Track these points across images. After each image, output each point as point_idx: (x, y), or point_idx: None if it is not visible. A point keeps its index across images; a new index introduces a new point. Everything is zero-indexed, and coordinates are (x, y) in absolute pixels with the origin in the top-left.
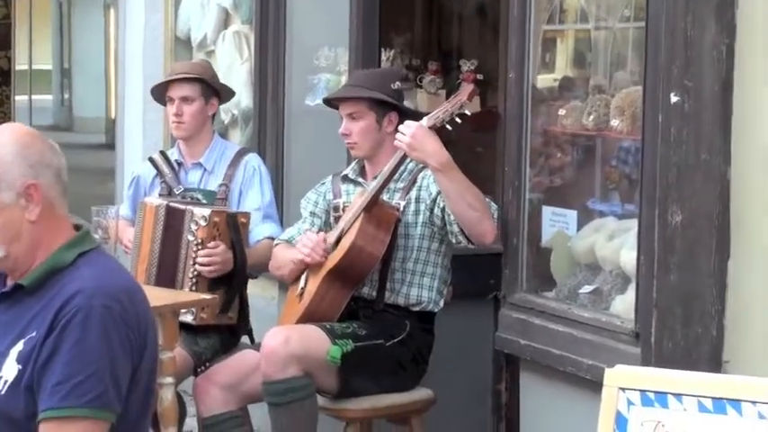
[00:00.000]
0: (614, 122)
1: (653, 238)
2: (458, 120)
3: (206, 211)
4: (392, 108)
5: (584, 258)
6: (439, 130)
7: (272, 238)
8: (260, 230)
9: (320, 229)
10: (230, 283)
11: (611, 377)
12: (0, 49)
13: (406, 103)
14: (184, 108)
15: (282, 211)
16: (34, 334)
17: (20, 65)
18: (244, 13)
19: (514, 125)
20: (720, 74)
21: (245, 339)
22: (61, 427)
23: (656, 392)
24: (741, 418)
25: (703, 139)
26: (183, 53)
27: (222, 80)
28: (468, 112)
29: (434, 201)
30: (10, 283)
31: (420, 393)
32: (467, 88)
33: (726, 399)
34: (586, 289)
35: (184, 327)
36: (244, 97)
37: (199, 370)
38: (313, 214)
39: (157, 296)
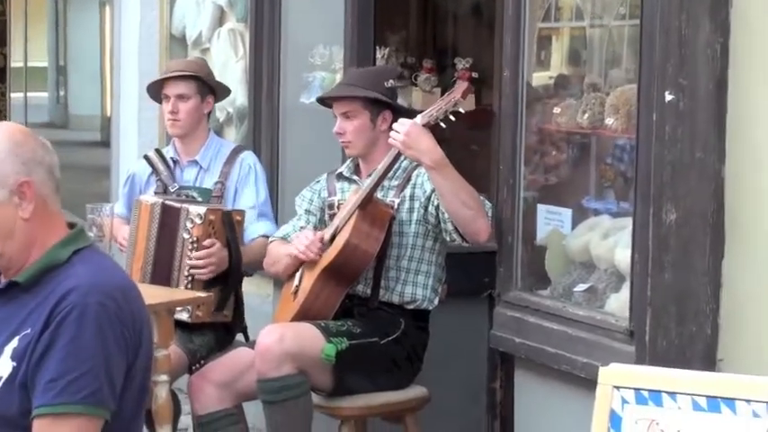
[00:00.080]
0: (609, 121)
1: (647, 236)
2: (452, 117)
3: (201, 209)
4: (386, 106)
5: (579, 257)
6: (433, 128)
7: (267, 237)
8: (255, 229)
9: (315, 227)
10: (225, 282)
11: (606, 375)
12: None
13: (401, 101)
14: (180, 105)
15: (277, 208)
16: (29, 331)
17: (15, 62)
18: (239, 11)
19: (509, 123)
20: (715, 72)
21: (239, 337)
22: (55, 423)
23: (650, 391)
24: (735, 417)
25: (698, 137)
26: (178, 51)
27: (217, 78)
28: (462, 110)
29: (429, 198)
30: (4, 280)
31: (415, 391)
32: (461, 86)
33: (720, 397)
34: (581, 287)
35: (179, 324)
36: (239, 95)
37: (194, 368)
38: (308, 212)
39: (153, 294)
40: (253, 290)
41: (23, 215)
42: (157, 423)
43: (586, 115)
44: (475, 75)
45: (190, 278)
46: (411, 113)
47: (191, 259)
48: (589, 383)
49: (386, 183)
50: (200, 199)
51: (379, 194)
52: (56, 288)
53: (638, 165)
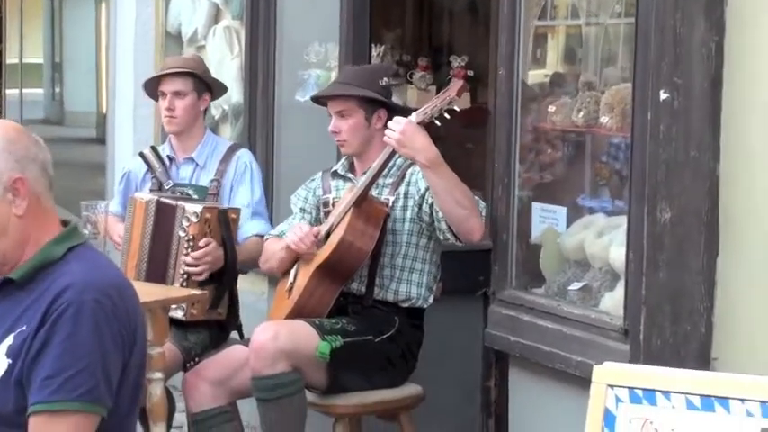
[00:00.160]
0: (604, 119)
1: (642, 235)
2: (446, 115)
3: (197, 208)
4: (381, 105)
5: (574, 255)
6: (428, 126)
7: (261, 236)
8: (249, 228)
9: (310, 225)
10: (220, 280)
11: (600, 374)
12: None
13: (396, 100)
14: (176, 102)
15: (272, 206)
16: (24, 328)
17: (10, 58)
18: (234, 9)
19: (504, 122)
20: (710, 71)
21: (234, 335)
22: (51, 420)
23: (644, 389)
24: (729, 416)
25: (692, 136)
26: (173, 48)
27: (213, 76)
28: (456, 108)
29: (423, 197)
30: None
31: (409, 389)
32: (456, 84)
33: (714, 396)
34: (576, 286)
35: (174, 322)
36: (234, 93)
37: (188, 365)
38: (303, 210)
39: (147, 292)
40: (247, 287)
41: (17, 212)
42: (152, 421)
43: (581, 114)
44: (470, 73)
45: (185, 276)
46: (406, 111)
47: (187, 257)
48: (583, 382)
49: (380, 181)
50: (195, 197)
51: (373, 192)
52: (51, 285)
53: (633, 163)
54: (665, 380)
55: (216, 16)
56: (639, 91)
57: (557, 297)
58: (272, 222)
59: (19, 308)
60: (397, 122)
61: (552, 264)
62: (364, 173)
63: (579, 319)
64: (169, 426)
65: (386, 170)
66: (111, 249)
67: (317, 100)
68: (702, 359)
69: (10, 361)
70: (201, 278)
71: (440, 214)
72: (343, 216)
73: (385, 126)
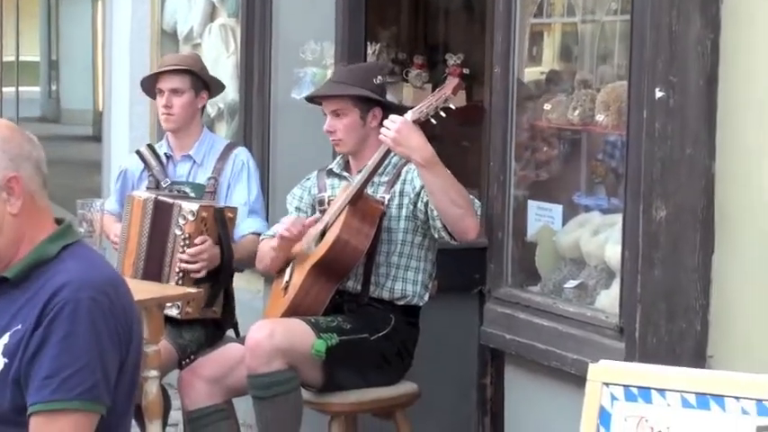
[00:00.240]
0: (599, 117)
1: (637, 232)
2: (442, 114)
3: (194, 206)
4: (376, 103)
5: (570, 253)
6: (424, 125)
7: (257, 234)
8: (245, 225)
9: None
10: (216, 278)
11: (595, 372)
12: None
13: (392, 98)
14: (174, 100)
15: (268, 204)
16: (20, 327)
17: (7, 56)
18: (230, 7)
19: (499, 120)
20: (705, 69)
21: (230, 333)
22: (52, 420)
23: (639, 387)
24: (724, 414)
25: (688, 133)
26: (169, 46)
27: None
28: (452, 106)
29: (418, 195)
30: None
31: (405, 387)
32: (452, 82)
33: (709, 394)
34: (571, 284)
35: (169, 319)
36: (230, 90)
37: (183, 363)
38: (298, 209)
39: (143, 289)
40: (243, 285)
41: (12, 211)
42: (147, 418)
43: (577, 112)
44: (466, 71)
45: (181, 274)
46: (401, 110)
47: (183, 254)
48: (579, 380)
49: (376, 179)
50: (192, 194)
51: (369, 190)
52: (46, 284)
53: (629, 161)
54: (660, 378)
55: (212, 14)
56: (635, 89)
57: (552, 295)
58: (269, 220)
59: (14, 306)
60: (393, 121)
61: (548, 262)
62: (359, 171)
63: (575, 317)
64: (164, 423)
65: (381, 168)
66: (108, 248)
67: (312, 99)
68: (698, 357)
69: (6, 360)
70: (200, 275)
71: (435, 213)
72: (339, 214)
73: (380, 124)
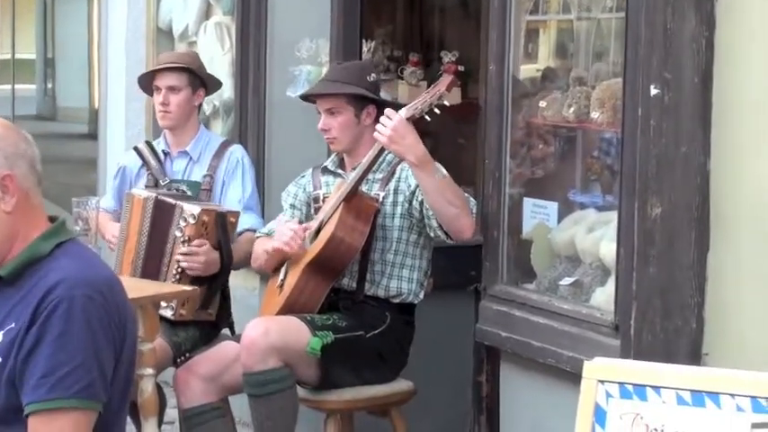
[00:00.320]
0: (594, 115)
1: (632, 230)
2: (436, 110)
3: (196, 210)
4: (370, 101)
5: (565, 250)
6: (418, 121)
7: (253, 230)
8: (241, 222)
9: (301, 222)
10: (213, 280)
11: (590, 369)
12: None
13: (387, 95)
14: (171, 97)
15: (263, 202)
16: (13, 325)
17: (2, 54)
18: (225, 5)
19: (495, 117)
20: (700, 66)
21: (225, 331)
22: (50, 419)
23: (634, 385)
24: (719, 411)
25: (683, 131)
26: (165, 44)
27: None
28: (447, 103)
29: (413, 193)
30: None
31: (400, 385)
32: (446, 79)
33: (704, 391)
34: (567, 281)
35: (164, 317)
36: (225, 88)
37: (178, 360)
38: (293, 207)
39: (139, 287)
40: (239, 283)
41: (6, 208)
42: (143, 416)
43: (572, 109)
44: (461, 68)
45: (177, 276)
46: (395, 107)
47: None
48: (574, 377)
49: (370, 176)
50: (189, 193)
51: (363, 187)
52: (39, 282)
53: (624, 159)
54: (655, 375)
55: (207, 12)
56: (630, 86)
57: (548, 292)
58: (264, 217)
59: (7, 305)
60: (389, 118)
61: (543, 259)
62: (354, 169)
63: (570, 315)
64: (160, 421)
65: (376, 166)
66: (103, 246)
67: (306, 98)
68: (693, 354)
69: (0, 359)
70: (194, 273)
71: (430, 212)
72: (334, 212)
73: (375, 122)
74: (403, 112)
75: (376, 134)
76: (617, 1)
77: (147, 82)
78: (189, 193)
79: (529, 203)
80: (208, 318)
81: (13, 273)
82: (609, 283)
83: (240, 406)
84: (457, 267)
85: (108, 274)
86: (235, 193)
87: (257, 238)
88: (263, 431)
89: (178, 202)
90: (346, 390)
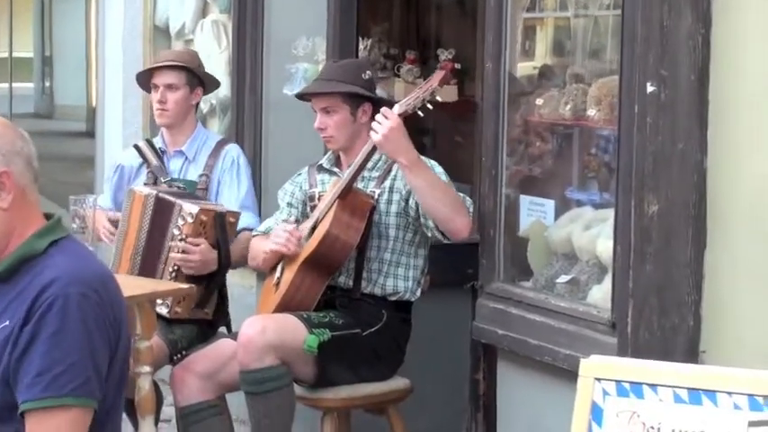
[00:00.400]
0: (591, 112)
1: (629, 227)
2: (429, 106)
3: (194, 209)
4: (366, 99)
5: (561, 248)
6: (410, 117)
7: (250, 229)
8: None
9: (297, 220)
10: (210, 280)
11: (587, 367)
12: None
13: (383, 93)
14: (168, 95)
15: (260, 200)
16: (7, 323)
17: (0, 52)
18: (222, 3)
19: (491, 115)
20: (696, 63)
21: (222, 328)
22: (47, 417)
23: (631, 383)
24: (716, 409)
25: (679, 128)
26: (161, 42)
27: None
28: (439, 99)
29: (409, 192)
30: None
31: (397, 383)
32: (438, 74)
33: (701, 389)
34: (563, 279)
35: (161, 315)
36: (222, 87)
37: (174, 358)
38: (290, 205)
39: (136, 285)
40: (237, 281)
41: (2, 205)
42: (140, 414)
43: (569, 106)
44: (457, 66)
45: (174, 273)
46: (390, 104)
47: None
48: (571, 375)
49: (366, 174)
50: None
51: (359, 185)
52: (34, 279)
53: (620, 156)
54: (652, 373)
55: (203, 10)
56: (626, 83)
57: (544, 290)
58: (261, 216)
59: (2, 302)
60: (385, 118)
61: (540, 257)
62: (350, 166)
63: (567, 313)
64: (157, 419)
65: (371, 163)
66: (100, 245)
67: (302, 97)
68: (690, 352)
69: None
70: (188, 271)
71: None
72: (329, 209)
73: (370, 120)
74: (396, 109)
75: (372, 132)
76: None
77: (145, 79)
78: (187, 190)
79: (526, 201)
80: (204, 317)
81: (8, 270)
82: (606, 280)
83: (237, 404)
84: (454, 265)
85: (102, 271)
86: (231, 193)
87: (254, 236)
88: (261, 429)
89: (178, 201)
90: (343, 387)
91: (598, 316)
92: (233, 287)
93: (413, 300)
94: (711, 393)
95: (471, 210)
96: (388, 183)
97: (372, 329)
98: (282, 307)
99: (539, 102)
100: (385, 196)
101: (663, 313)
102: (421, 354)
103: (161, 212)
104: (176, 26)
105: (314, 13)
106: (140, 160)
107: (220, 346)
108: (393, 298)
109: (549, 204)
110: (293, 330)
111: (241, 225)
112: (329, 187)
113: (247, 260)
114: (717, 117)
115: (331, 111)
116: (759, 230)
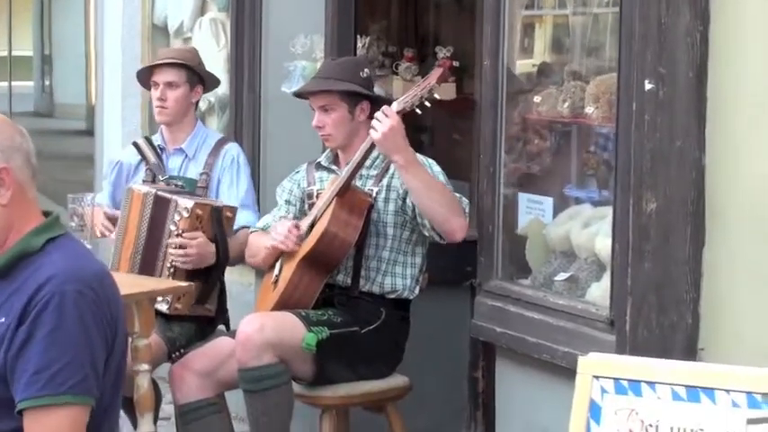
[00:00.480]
0: (589, 110)
1: (627, 225)
2: (427, 104)
3: (189, 203)
4: (363, 97)
5: (560, 246)
6: (408, 115)
7: (248, 227)
8: (237, 219)
9: (295, 217)
10: (209, 275)
11: (585, 365)
12: None
13: (381, 91)
14: (168, 93)
15: (259, 197)
16: (3, 320)
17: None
18: (220, 1)
19: (489, 112)
20: (695, 61)
21: (220, 326)
22: (46, 415)
23: (629, 380)
24: (714, 407)
25: (677, 125)
26: (160, 40)
27: None
28: (437, 96)
29: (406, 191)
30: None
31: (396, 381)
32: (436, 72)
33: (700, 387)
34: (562, 276)
35: (159, 313)
36: (220, 84)
37: (173, 356)
38: (288, 202)
39: (134, 283)
40: (235, 279)
41: (1, 201)
42: (139, 412)
43: (567, 104)
44: (456, 63)
45: (172, 270)
46: (388, 102)
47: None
48: (570, 373)
49: (364, 172)
50: (187, 189)
51: (357, 183)
52: (31, 276)
53: (618, 154)
54: (650, 371)
55: (202, 8)
56: (624, 81)
57: (543, 288)
58: (260, 214)
59: None
60: (385, 116)
61: (538, 255)
62: (348, 164)
63: (565, 310)
64: (156, 417)
65: (370, 161)
66: (99, 243)
67: (300, 95)
68: (689, 350)
69: None
70: (186, 266)
71: None
72: (327, 207)
73: (369, 117)
74: (394, 106)
75: (371, 130)
76: None
77: (145, 77)
78: (187, 188)
79: (524, 199)
80: (206, 313)
81: (5, 266)
82: (604, 278)
83: (236, 401)
84: (452, 263)
85: (98, 269)
86: (231, 192)
87: (252, 232)
88: (259, 427)
89: (173, 197)
90: (341, 385)
91: (596, 313)
92: (231, 285)
93: (411, 298)
94: (710, 391)
95: (468, 210)
96: (385, 181)
97: (371, 327)
98: (281, 305)
99: (537, 99)
100: (383, 194)
101: (661, 311)
102: (419, 352)
103: (159, 210)
104: (175, 24)
105: (312, 10)
106: (139, 158)
107: (219, 344)
108: (391, 296)
109: (548, 202)
110: (291, 328)
111: (240, 223)
112: (327, 185)
113: (245, 257)
114: (715, 114)
115: (329, 109)
116: (757, 228)
